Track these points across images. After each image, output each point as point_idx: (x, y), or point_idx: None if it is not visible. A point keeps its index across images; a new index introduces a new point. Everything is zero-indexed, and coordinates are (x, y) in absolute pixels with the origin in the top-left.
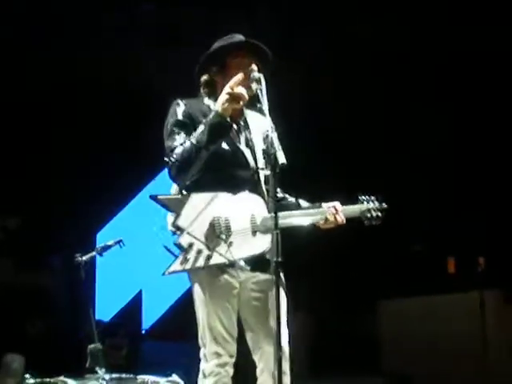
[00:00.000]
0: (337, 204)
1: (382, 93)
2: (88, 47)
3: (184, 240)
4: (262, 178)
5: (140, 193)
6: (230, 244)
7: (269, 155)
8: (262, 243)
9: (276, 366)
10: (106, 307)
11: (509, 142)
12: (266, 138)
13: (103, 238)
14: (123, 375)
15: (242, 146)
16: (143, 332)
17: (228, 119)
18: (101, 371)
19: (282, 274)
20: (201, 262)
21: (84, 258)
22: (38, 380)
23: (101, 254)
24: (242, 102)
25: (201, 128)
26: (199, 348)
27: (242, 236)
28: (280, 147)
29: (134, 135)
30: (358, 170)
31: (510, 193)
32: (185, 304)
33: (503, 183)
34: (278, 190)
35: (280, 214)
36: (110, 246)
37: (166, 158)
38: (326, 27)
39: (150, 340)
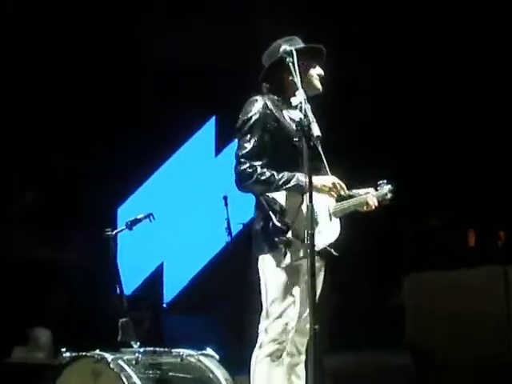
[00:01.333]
0: (371, 190)
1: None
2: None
3: (292, 234)
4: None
5: (161, 167)
6: (320, 232)
7: (303, 127)
8: (337, 228)
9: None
10: (127, 280)
11: None
12: (300, 110)
13: (124, 212)
14: (158, 348)
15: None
16: (164, 305)
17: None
18: (136, 345)
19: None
20: (304, 252)
21: (114, 232)
22: (75, 354)
23: (131, 228)
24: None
25: (290, 178)
26: (219, 321)
27: (324, 224)
28: (314, 119)
29: (157, 110)
30: (376, 145)
31: None
32: (206, 277)
33: None
34: None
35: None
36: (139, 220)
37: (240, 158)
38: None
39: (172, 313)
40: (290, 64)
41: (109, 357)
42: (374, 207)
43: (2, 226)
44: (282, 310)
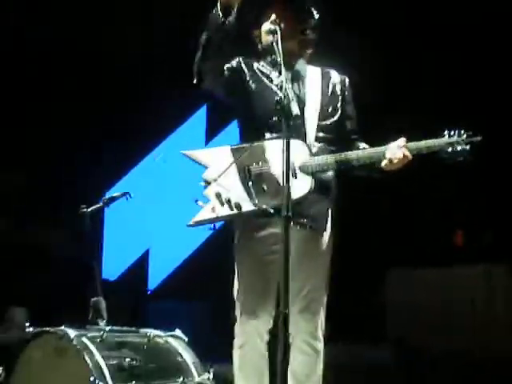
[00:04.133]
0: (400, 141)
1: None
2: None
3: (210, 191)
4: (311, 126)
5: (149, 154)
6: (264, 191)
7: (282, 106)
8: (303, 187)
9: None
10: (112, 266)
11: None
12: (279, 89)
13: None
14: (124, 328)
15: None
16: (148, 292)
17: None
18: (102, 323)
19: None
20: (228, 211)
21: (89, 209)
22: (38, 329)
23: (107, 205)
24: None
25: None
26: (204, 307)
27: (278, 182)
28: (294, 98)
29: (148, 97)
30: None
31: None
32: (192, 263)
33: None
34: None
35: (317, 157)
36: (116, 198)
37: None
38: None
39: (155, 300)
40: (274, 44)
41: (72, 333)
42: (396, 161)
43: None
44: (247, 292)
